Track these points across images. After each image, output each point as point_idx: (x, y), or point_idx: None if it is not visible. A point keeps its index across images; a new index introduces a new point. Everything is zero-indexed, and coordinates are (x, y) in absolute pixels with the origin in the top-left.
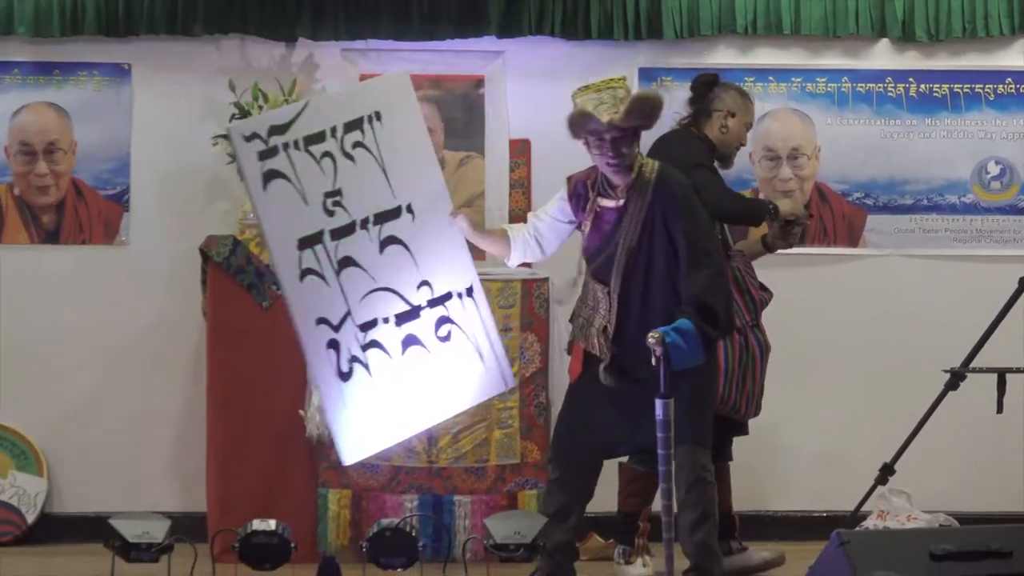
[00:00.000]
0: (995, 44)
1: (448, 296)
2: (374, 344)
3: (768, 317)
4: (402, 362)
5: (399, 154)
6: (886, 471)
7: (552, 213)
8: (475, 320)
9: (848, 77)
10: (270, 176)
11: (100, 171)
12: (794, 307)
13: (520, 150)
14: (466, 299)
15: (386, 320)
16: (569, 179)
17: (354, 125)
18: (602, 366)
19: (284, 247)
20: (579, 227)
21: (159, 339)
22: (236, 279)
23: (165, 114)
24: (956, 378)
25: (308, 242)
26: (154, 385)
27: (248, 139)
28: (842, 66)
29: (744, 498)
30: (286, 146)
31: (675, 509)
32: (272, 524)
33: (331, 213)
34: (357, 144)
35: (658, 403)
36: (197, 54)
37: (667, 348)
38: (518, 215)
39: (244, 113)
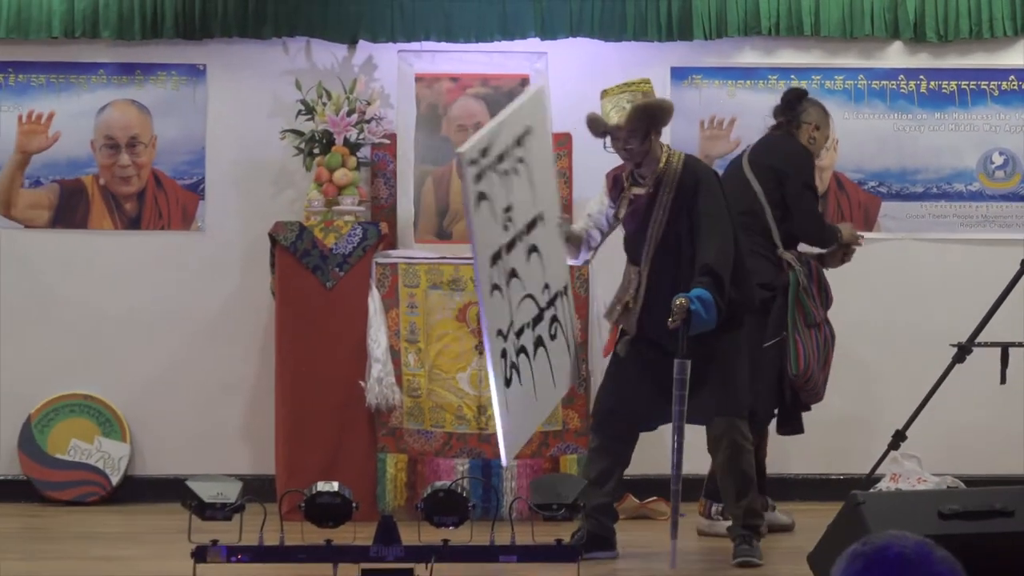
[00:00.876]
0: (999, 44)
1: (556, 296)
2: (523, 350)
3: None
4: (535, 363)
5: (539, 165)
6: (898, 437)
7: (600, 208)
8: (568, 316)
9: (864, 75)
10: (480, 197)
11: (178, 163)
12: None
13: (562, 143)
14: (563, 297)
15: (528, 325)
16: (607, 175)
17: (520, 141)
18: (625, 338)
19: (483, 264)
20: (616, 215)
21: (232, 316)
22: (302, 261)
23: (236, 110)
24: (963, 351)
25: (495, 258)
26: (227, 358)
27: (471, 163)
28: (858, 65)
29: (768, 461)
30: (488, 167)
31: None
32: (335, 486)
33: (505, 228)
34: (520, 159)
35: (676, 363)
36: (266, 55)
37: (690, 315)
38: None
39: (309, 110)
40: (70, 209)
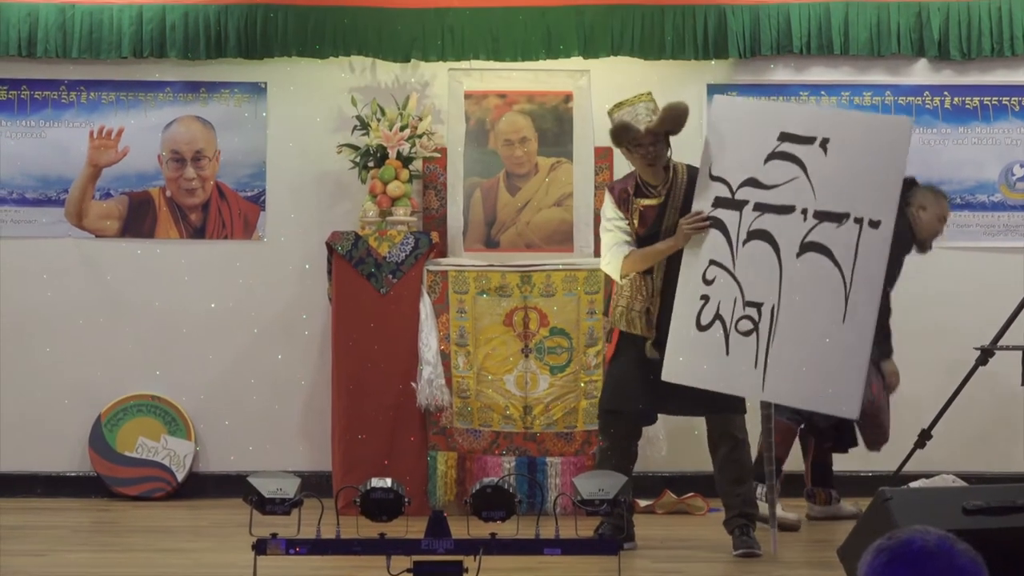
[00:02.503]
0: (1020, 62)
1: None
2: (747, 319)
3: None
4: (739, 338)
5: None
6: (924, 436)
7: (623, 223)
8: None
9: (890, 91)
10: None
11: (240, 176)
12: None
13: (603, 156)
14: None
15: (759, 305)
16: (611, 189)
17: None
18: (648, 342)
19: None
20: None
21: (291, 321)
22: (357, 269)
23: (295, 126)
24: (986, 354)
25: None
26: (287, 361)
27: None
28: (885, 82)
29: (801, 460)
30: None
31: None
32: (388, 482)
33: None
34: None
35: None
36: (323, 73)
37: None
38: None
39: (364, 125)
40: (138, 219)
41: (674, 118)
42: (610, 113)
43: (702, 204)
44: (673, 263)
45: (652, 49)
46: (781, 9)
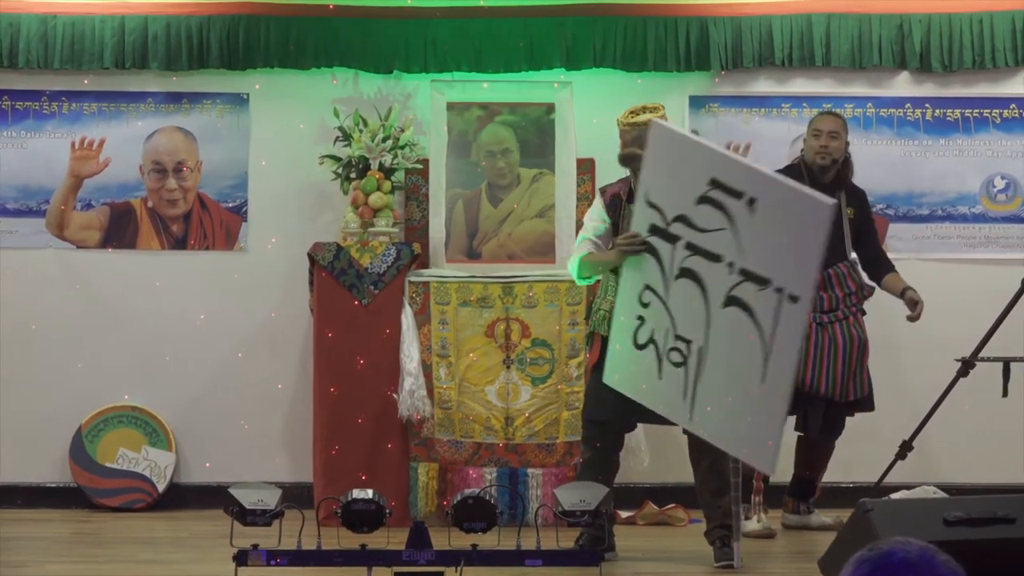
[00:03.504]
0: (1001, 74)
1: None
2: (677, 351)
3: None
4: (670, 367)
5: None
6: (905, 447)
7: (601, 227)
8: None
9: (872, 103)
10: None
11: (222, 187)
12: None
13: (586, 168)
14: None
15: (688, 342)
16: (603, 191)
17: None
18: None
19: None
20: (617, 230)
21: (272, 332)
22: (339, 280)
23: (278, 137)
24: (967, 366)
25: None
26: (268, 371)
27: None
28: (867, 94)
29: (782, 469)
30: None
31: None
32: (370, 493)
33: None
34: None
35: None
36: (306, 85)
37: None
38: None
39: (346, 136)
40: (120, 230)
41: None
42: (619, 120)
43: (638, 226)
44: None
45: (634, 61)
46: (763, 21)
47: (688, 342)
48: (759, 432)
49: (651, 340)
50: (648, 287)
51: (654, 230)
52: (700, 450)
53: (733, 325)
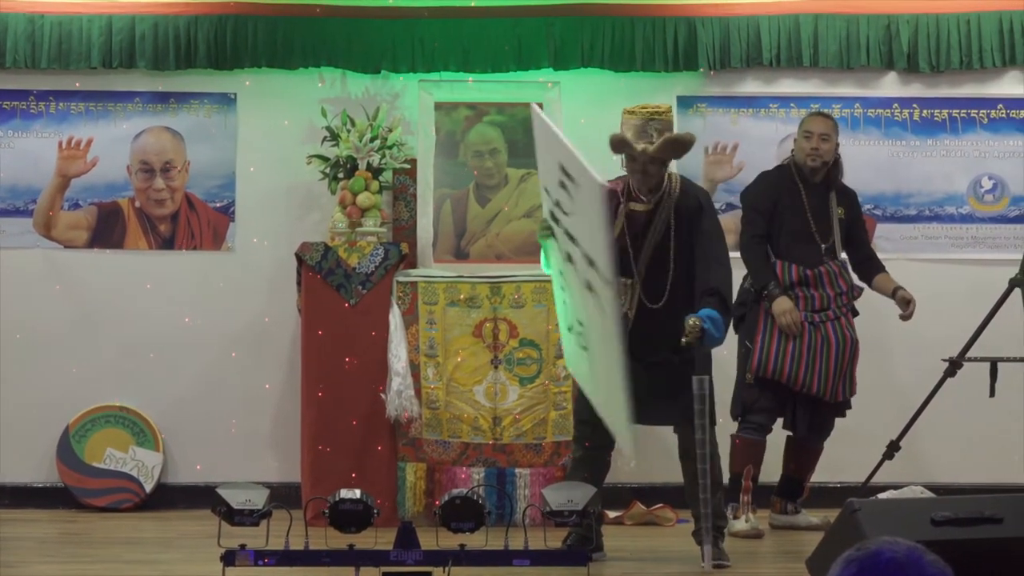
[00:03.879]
0: (988, 75)
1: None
2: (580, 335)
3: None
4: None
5: (586, 213)
6: (892, 447)
7: None
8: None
9: (860, 104)
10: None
11: (210, 186)
12: None
13: None
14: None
15: (582, 325)
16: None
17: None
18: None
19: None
20: (613, 228)
21: (260, 331)
22: (327, 280)
23: (265, 137)
24: (954, 366)
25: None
26: (256, 371)
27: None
28: (855, 94)
29: (769, 470)
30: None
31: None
32: (357, 493)
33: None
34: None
35: (695, 380)
36: (294, 84)
37: (704, 333)
38: None
39: (334, 136)
40: (107, 230)
41: (673, 149)
42: (624, 114)
43: (544, 212)
44: (652, 274)
45: (622, 61)
46: (751, 21)
47: (582, 325)
48: (617, 414)
49: (571, 324)
50: (560, 271)
51: (551, 215)
52: (689, 449)
53: (592, 307)
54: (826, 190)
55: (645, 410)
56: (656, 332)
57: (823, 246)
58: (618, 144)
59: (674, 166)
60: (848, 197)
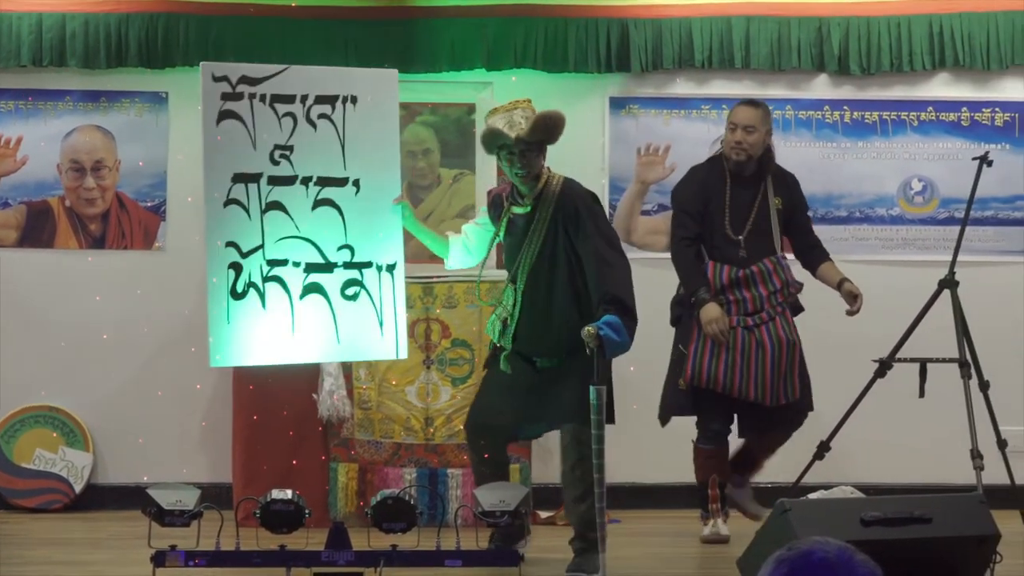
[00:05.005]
0: (918, 77)
1: (368, 265)
2: (275, 279)
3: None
4: (298, 303)
5: (363, 137)
6: (822, 448)
7: (479, 223)
8: (388, 293)
9: (791, 105)
10: (226, 115)
11: (140, 186)
12: None
13: None
14: (385, 273)
15: (296, 264)
16: (489, 193)
17: (326, 99)
18: (503, 354)
19: (218, 176)
20: (497, 233)
21: (191, 331)
22: None
23: (197, 136)
24: (884, 367)
25: (243, 178)
26: (186, 371)
27: (216, 80)
28: (786, 96)
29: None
30: (252, 96)
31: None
32: (289, 493)
33: (276, 163)
34: (323, 116)
35: (593, 390)
36: None
37: (602, 341)
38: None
39: None
40: (37, 229)
41: (547, 127)
42: (486, 118)
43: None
44: (534, 278)
45: (555, 62)
46: (683, 23)
47: (321, 270)
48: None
49: (252, 285)
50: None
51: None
52: (565, 449)
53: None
54: (759, 181)
55: (531, 412)
56: (542, 335)
57: (740, 238)
58: (491, 136)
59: (559, 165)
60: (786, 184)
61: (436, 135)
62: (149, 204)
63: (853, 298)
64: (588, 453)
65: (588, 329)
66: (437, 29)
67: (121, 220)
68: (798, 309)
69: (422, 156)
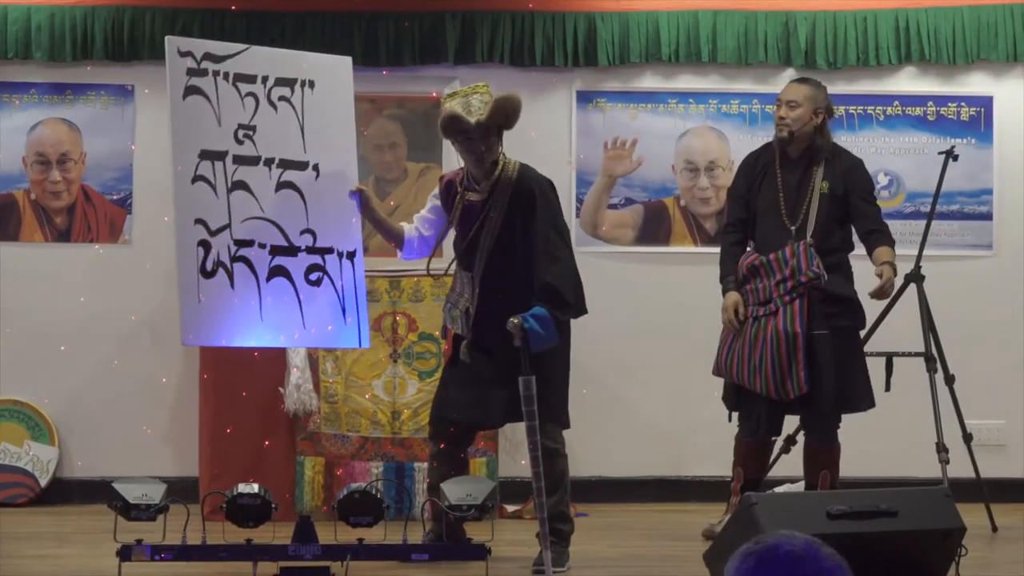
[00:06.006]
0: (884, 72)
1: (329, 250)
2: (243, 260)
3: (699, 308)
4: (265, 286)
5: (321, 122)
6: (789, 441)
7: (430, 211)
8: (348, 280)
9: (758, 100)
10: (192, 91)
11: (106, 179)
12: (717, 297)
13: None
14: (345, 260)
15: (262, 246)
16: (441, 179)
17: (285, 82)
18: (463, 344)
19: (186, 152)
20: (450, 220)
21: (157, 325)
22: None
23: (162, 129)
24: None
25: (210, 155)
26: (153, 365)
27: (182, 55)
28: (753, 90)
29: (668, 464)
30: (216, 73)
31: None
32: (255, 487)
33: (240, 142)
34: (283, 98)
35: (521, 381)
36: None
37: (526, 333)
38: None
39: None
40: (2, 222)
41: (505, 111)
42: (443, 102)
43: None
44: (492, 266)
45: (522, 56)
46: (650, 17)
47: (286, 253)
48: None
49: (220, 264)
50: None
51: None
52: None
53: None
54: (808, 163)
55: (493, 405)
56: (501, 323)
57: (793, 228)
58: (449, 121)
59: (526, 158)
60: (840, 167)
61: (403, 129)
62: (115, 197)
63: (879, 280)
64: (556, 448)
65: (513, 320)
66: (404, 22)
67: (87, 213)
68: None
69: (388, 150)
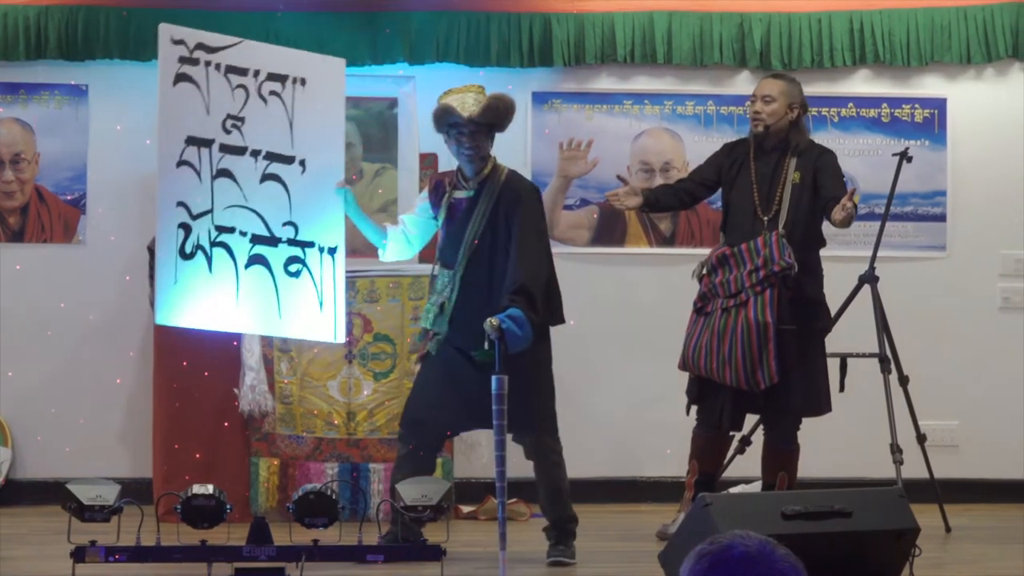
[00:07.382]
0: (839, 73)
1: (311, 244)
2: (223, 245)
3: (655, 309)
4: (243, 272)
5: (310, 119)
6: (743, 442)
7: (418, 211)
8: (328, 275)
9: (713, 101)
10: (183, 78)
11: (60, 179)
12: (672, 298)
13: (428, 162)
14: (326, 256)
15: (243, 234)
16: (431, 177)
17: (277, 78)
18: (437, 338)
19: (172, 136)
20: (437, 218)
21: (112, 325)
22: None
23: (117, 129)
24: None
25: (196, 142)
26: (107, 366)
27: (175, 43)
28: (708, 92)
29: (623, 465)
30: (208, 63)
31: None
32: (210, 488)
33: (228, 131)
34: (274, 93)
35: (493, 379)
36: (145, 76)
37: (503, 334)
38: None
39: None
40: None
41: (497, 110)
42: (439, 99)
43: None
44: (473, 265)
45: (477, 56)
46: (605, 18)
47: (266, 243)
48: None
49: (200, 248)
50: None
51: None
52: (528, 454)
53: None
54: (781, 156)
55: (471, 411)
56: (478, 321)
57: (765, 218)
58: (442, 114)
59: (507, 155)
60: (810, 159)
61: (358, 129)
62: (69, 197)
63: (841, 208)
64: (552, 457)
65: (491, 321)
66: (359, 22)
67: (40, 214)
68: (790, 288)
69: (344, 150)
